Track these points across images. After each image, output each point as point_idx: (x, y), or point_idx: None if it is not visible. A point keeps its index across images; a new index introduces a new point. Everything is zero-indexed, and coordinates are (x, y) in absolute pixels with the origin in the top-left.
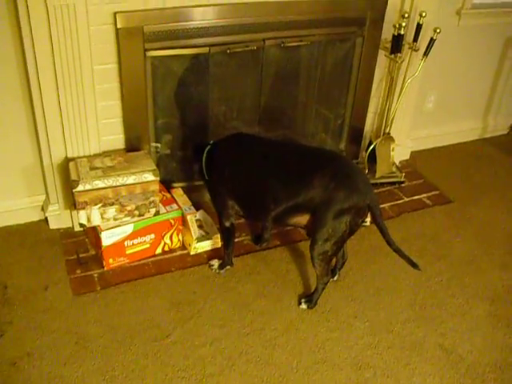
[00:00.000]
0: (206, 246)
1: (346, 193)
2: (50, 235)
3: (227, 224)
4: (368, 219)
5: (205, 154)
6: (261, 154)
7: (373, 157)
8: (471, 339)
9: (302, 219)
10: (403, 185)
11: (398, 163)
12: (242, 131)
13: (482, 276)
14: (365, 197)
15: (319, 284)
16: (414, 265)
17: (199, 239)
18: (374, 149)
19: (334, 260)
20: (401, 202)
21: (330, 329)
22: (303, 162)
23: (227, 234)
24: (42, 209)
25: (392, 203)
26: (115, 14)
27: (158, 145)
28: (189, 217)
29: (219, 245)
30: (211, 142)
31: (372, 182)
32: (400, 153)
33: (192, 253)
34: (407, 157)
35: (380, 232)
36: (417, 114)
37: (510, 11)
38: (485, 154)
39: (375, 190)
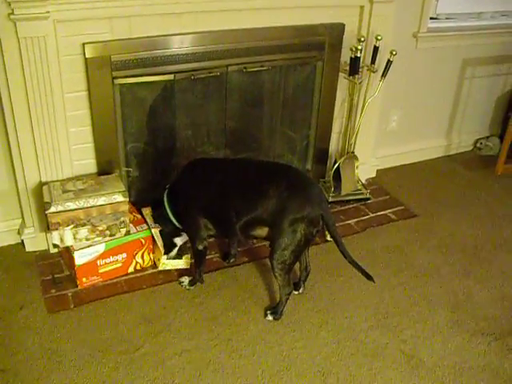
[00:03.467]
0: (175, 264)
1: (299, 203)
2: (26, 258)
3: (200, 247)
4: None
5: (165, 199)
6: (220, 172)
7: (338, 175)
8: (432, 344)
9: (263, 232)
10: (369, 201)
11: (364, 181)
12: (199, 157)
13: (443, 285)
14: (318, 207)
15: (282, 295)
16: (368, 276)
17: (169, 257)
18: (338, 167)
19: (298, 273)
20: (366, 217)
21: (295, 338)
22: (259, 175)
23: (200, 256)
24: (18, 232)
25: (358, 219)
26: (84, 44)
27: (130, 169)
28: (153, 230)
29: (188, 265)
30: (167, 186)
31: (338, 199)
32: (366, 171)
33: (160, 268)
34: (373, 175)
35: (335, 243)
36: (381, 133)
37: (463, 34)
38: (449, 170)
39: (342, 208)
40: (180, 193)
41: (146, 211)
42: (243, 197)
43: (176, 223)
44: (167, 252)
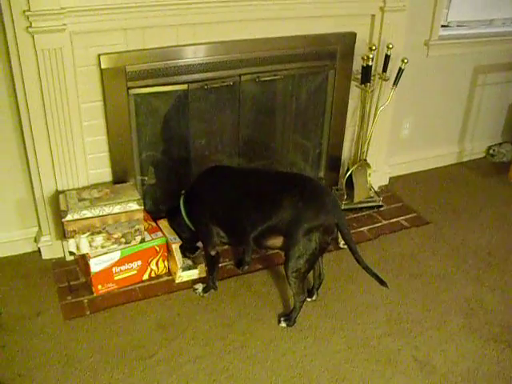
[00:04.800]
0: (190, 274)
1: (314, 212)
2: (42, 265)
3: (213, 253)
4: None
5: (182, 205)
6: (235, 182)
7: (351, 183)
8: (445, 351)
9: (277, 241)
10: (382, 209)
11: (376, 188)
12: (216, 165)
13: (456, 292)
14: (332, 216)
15: (296, 302)
16: (381, 282)
17: (184, 268)
18: (351, 175)
19: (312, 280)
20: (379, 224)
21: (308, 345)
22: (273, 185)
23: (212, 262)
24: (35, 240)
25: (370, 226)
26: (99, 55)
27: (145, 178)
28: (174, 246)
29: (204, 274)
30: (182, 192)
31: (351, 207)
32: (379, 178)
33: (177, 281)
34: (386, 182)
35: (349, 250)
36: (393, 141)
37: (474, 42)
38: (461, 177)
39: (354, 215)
40: (194, 199)
41: (163, 223)
42: (258, 206)
43: (192, 228)
44: (191, 253)
